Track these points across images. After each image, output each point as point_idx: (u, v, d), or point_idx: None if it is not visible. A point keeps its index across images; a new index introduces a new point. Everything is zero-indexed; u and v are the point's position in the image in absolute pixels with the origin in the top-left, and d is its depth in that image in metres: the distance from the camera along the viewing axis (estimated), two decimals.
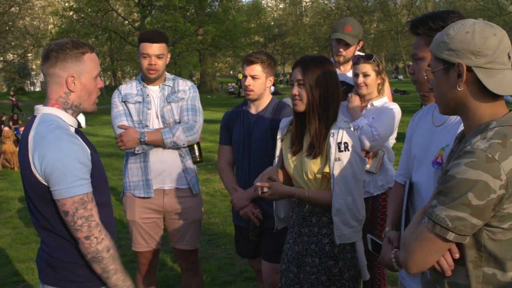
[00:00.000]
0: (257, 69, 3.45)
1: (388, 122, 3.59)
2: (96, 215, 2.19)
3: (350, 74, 3.97)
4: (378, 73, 3.66)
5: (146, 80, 3.74)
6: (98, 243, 2.18)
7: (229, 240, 6.07)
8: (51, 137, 2.13)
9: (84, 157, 2.18)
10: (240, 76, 35.37)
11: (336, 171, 2.73)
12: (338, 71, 3.73)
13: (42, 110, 2.27)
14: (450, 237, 1.63)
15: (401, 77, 52.00)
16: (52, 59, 2.23)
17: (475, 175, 1.58)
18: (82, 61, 2.26)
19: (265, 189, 2.82)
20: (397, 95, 29.96)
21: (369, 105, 3.70)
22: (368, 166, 3.59)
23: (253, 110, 3.58)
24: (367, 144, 3.53)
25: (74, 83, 2.26)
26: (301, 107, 2.83)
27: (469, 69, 1.68)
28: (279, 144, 3.07)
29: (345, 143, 2.74)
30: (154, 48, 3.61)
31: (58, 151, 2.11)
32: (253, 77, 3.45)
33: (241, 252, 3.85)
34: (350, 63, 4.06)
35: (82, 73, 2.27)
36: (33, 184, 2.17)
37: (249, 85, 3.46)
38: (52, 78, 2.26)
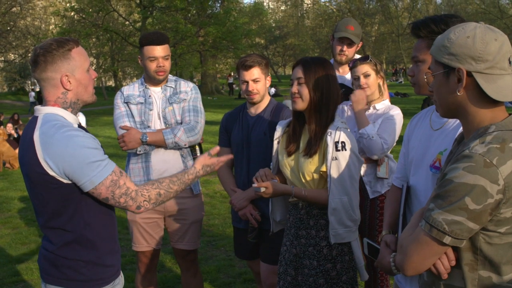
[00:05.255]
0: (256, 72, 3.46)
1: (395, 131, 3.60)
2: (131, 184, 2.27)
3: (348, 76, 3.98)
4: (377, 72, 3.68)
5: (149, 81, 3.77)
6: (149, 202, 2.31)
7: (229, 242, 6.07)
8: (60, 135, 2.15)
9: (96, 143, 2.22)
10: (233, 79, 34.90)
11: (333, 170, 2.74)
12: (337, 73, 3.76)
13: (43, 110, 2.28)
14: (447, 240, 1.64)
15: (401, 80, 51.95)
16: (42, 64, 2.23)
17: (472, 179, 1.58)
18: (71, 58, 2.26)
19: (262, 189, 2.84)
20: (397, 98, 29.94)
21: (371, 108, 3.70)
22: (378, 172, 3.61)
23: (252, 112, 3.60)
24: (377, 156, 3.55)
25: (70, 81, 2.27)
26: (300, 105, 2.83)
27: (469, 74, 1.68)
28: (275, 146, 3.08)
29: (342, 142, 2.75)
30: (160, 50, 3.63)
31: (72, 147, 2.14)
32: (254, 81, 3.47)
33: (239, 254, 3.86)
34: None
35: (74, 69, 2.27)
36: (47, 181, 2.17)
37: (253, 89, 3.47)
38: (47, 82, 2.27)
